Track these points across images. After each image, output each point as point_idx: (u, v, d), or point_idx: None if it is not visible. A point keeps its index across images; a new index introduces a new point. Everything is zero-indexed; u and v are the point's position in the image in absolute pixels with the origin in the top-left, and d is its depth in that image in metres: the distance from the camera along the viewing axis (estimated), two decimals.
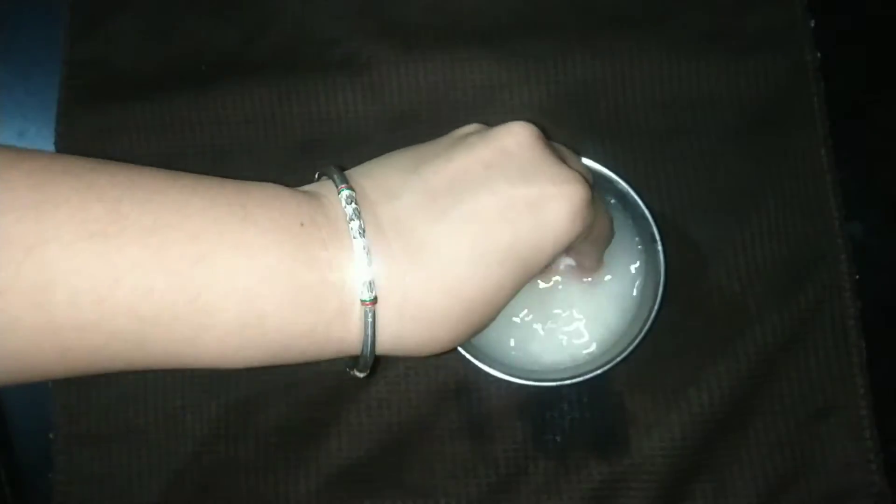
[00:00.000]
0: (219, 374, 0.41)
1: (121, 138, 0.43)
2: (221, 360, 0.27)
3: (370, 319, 0.27)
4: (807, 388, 0.40)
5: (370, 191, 0.28)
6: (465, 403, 0.40)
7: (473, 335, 0.29)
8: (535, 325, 0.37)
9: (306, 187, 0.29)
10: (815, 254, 0.41)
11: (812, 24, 0.43)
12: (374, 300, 0.27)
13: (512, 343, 0.38)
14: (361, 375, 0.29)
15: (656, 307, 0.36)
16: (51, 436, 0.41)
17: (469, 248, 0.27)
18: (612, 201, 0.39)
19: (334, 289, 0.26)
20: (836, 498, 0.39)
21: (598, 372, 0.35)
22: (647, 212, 0.37)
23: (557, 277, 0.38)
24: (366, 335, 0.27)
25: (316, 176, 0.30)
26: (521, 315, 0.38)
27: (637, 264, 0.38)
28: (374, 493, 0.40)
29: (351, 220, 0.27)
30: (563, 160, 0.30)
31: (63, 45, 0.44)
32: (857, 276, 0.41)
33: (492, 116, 0.43)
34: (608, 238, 0.35)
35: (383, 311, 0.27)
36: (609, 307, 0.38)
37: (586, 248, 0.35)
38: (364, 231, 0.27)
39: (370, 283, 0.26)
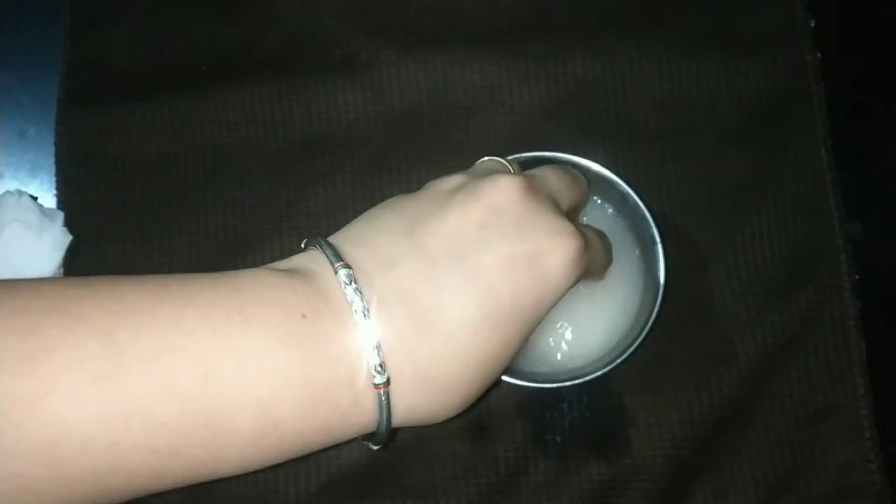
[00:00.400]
0: None
1: (121, 138, 0.43)
2: (240, 469, 0.26)
3: (384, 400, 0.26)
4: (807, 388, 0.40)
5: (365, 262, 0.27)
6: None
7: (482, 393, 0.29)
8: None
9: (295, 261, 0.28)
10: (815, 254, 0.41)
11: (812, 24, 0.43)
12: (387, 382, 0.26)
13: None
14: (376, 448, 0.29)
15: (657, 308, 0.36)
16: None
17: (474, 310, 0.27)
18: (609, 210, 0.39)
19: (347, 380, 0.26)
20: (836, 498, 0.39)
21: (599, 374, 0.35)
22: (647, 213, 0.37)
23: None
24: (381, 416, 0.27)
25: (302, 245, 0.29)
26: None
27: (637, 266, 0.38)
28: (374, 493, 0.40)
29: (352, 302, 0.26)
30: (550, 204, 0.30)
31: (63, 45, 0.44)
32: (857, 276, 0.41)
33: (492, 116, 0.43)
34: (606, 264, 0.36)
35: (396, 389, 0.27)
36: (609, 308, 0.38)
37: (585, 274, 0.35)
38: (368, 311, 0.26)
39: (381, 366, 0.26)
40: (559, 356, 0.37)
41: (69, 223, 0.41)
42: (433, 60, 0.43)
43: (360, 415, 0.27)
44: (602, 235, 0.36)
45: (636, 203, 0.37)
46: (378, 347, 0.26)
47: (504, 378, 0.35)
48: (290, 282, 0.27)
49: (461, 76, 0.43)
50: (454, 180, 0.30)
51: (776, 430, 0.40)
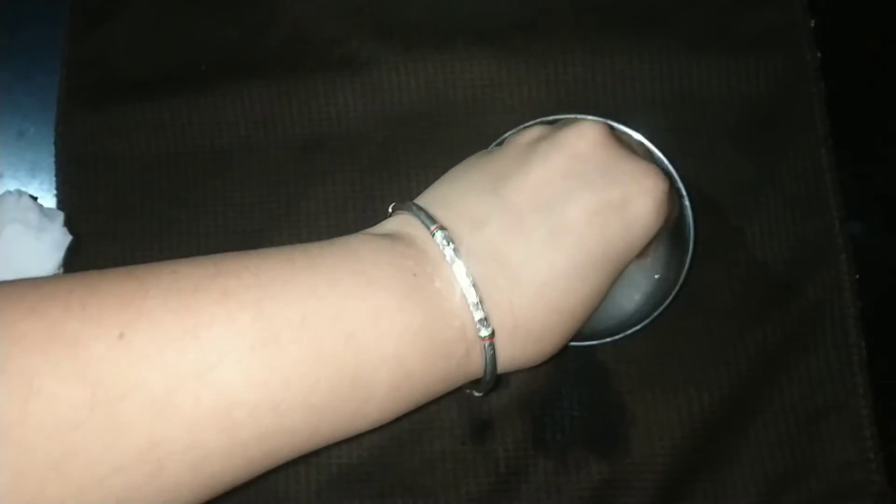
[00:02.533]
0: None
1: (121, 138, 0.43)
2: (377, 423, 0.28)
3: (491, 352, 0.28)
4: (807, 388, 0.40)
5: (456, 223, 0.28)
6: (465, 403, 0.40)
7: (570, 338, 0.31)
8: None
9: (388, 226, 0.29)
10: (815, 254, 0.41)
11: (812, 24, 0.43)
12: (492, 334, 0.28)
13: None
14: (480, 395, 0.31)
15: (688, 260, 0.36)
16: None
17: (564, 262, 0.28)
18: None
19: (459, 332, 0.27)
20: (836, 498, 0.39)
21: (636, 329, 0.36)
22: (671, 168, 0.37)
23: None
24: (486, 366, 0.28)
25: (390, 210, 0.30)
26: None
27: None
28: (374, 492, 0.40)
29: (452, 262, 0.27)
30: (629, 150, 0.30)
31: (63, 45, 0.44)
32: (857, 276, 0.41)
33: (491, 116, 0.43)
34: (675, 217, 0.36)
35: (499, 340, 0.28)
36: (637, 263, 0.38)
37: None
38: (468, 270, 0.27)
39: (485, 321, 0.27)
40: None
41: (69, 223, 0.41)
42: (433, 60, 0.43)
43: (469, 364, 0.28)
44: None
45: (661, 160, 0.37)
46: (481, 303, 0.27)
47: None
48: (394, 245, 0.28)
49: (461, 76, 0.43)
50: (535, 132, 0.31)
51: (776, 430, 0.40)
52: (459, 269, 0.27)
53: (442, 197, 0.30)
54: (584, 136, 0.29)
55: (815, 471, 0.40)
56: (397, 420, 0.40)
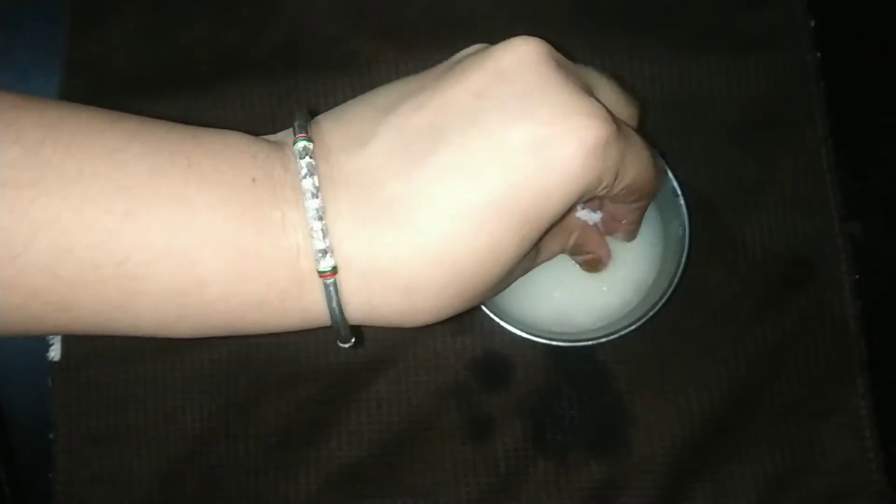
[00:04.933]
0: (218, 374, 0.41)
1: None
2: (162, 329, 0.24)
3: (332, 292, 0.23)
4: (807, 388, 0.40)
5: (336, 138, 0.24)
6: (465, 403, 0.40)
7: (473, 305, 0.26)
8: (557, 284, 0.37)
9: (277, 135, 0.26)
10: (815, 254, 0.41)
11: (812, 24, 0.43)
12: (334, 270, 0.23)
13: (537, 304, 0.37)
14: (346, 346, 0.26)
15: (684, 257, 0.36)
16: (51, 436, 0.41)
17: (451, 200, 0.23)
18: None
19: (287, 255, 0.23)
20: (836, 498, 0.39)
21: (634, 327, 0.35)
22: (665, 166, 0.37)
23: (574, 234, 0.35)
24: (330, 308, 0.24)
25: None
26: (541, 275, 0.37)
27: (658, 226, 0.38)
28: (374, 492, 0.40)
29: (305, 176, 0.23)
30: (582, 86, 0.24)
31: (63, 45, 0.44)
32: (857, 276, 0.41)
33: None
34: (648, 192, 0.28)
35: (347, 281, 0.23)
36: (635, 264, 0.38)
37: (619, 205, 0.31)
38: (318, 189, 0.23)
39: (326, 252, 0.23)
40: (581, 316, 0.37)
41: None
42: (433, 60, 0.43)
43: (303, 300, 0.24)
44: (652, 151, 0.28)
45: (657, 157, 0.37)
46: (324, 231, 0.23)
47: (533, 338, 0.35)
48: (254, 146, 0.24)
49: None
50: (474, 48, 0.26)
51: (776, 430, 0.40)
52: (308, 186, 0.23)
53: (341, 111, 0.26)
54: (514, 50, 0.24)
55: (815, 471, 0.40)
56: (395, 418, 0.40)
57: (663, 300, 0.35)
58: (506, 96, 0.23)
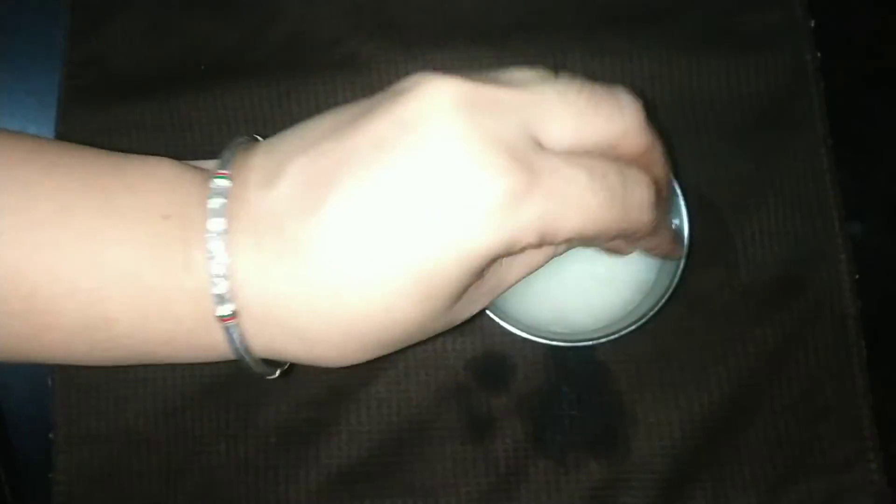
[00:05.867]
0: (218, 374, 0.41)
1: (121, 138, 0.43)
2: (74, 360, 0.24)
3: (233, 336, 0.23)
4: (807, 388, 0.40)
5: (257, 173, 0.23)
6: (465, 403, 0.40)
7: (381, 353, 0.25)
8: (557, 284, 0.37)
9: (214, 162, 0.25)
10: (815, 254, 0.41)
11: (812, 24, 0.43)
12: (233, 315, 0.23)
13: (537, 304, 0.37)
14: (271, 378, 0.26)
15: (683, 258, 0.35)
16: (51, 436, 0.41)
17: (337, 255, 0.22)
18: None
19: (190, 297, 0.23)
20: (836, 497, 0.39)
21: (632, 328, 0.35)
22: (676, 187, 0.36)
23: None
24: (234, 350, 0.24)
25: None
26: (540, 275, 0.37)
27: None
28: (374, 492, 0.40)
29: (211, 217, 0.23)
30: (499, 132, 0.22)
31: (63, 45, 0.44)
32: (857, 276, 0.41)
33: None
34: (638, 230, 0.25)
35: (248, 325, 0.23)
36: (635, 264, 0.37)
37: (612, 246, 0.29)
38: (226, 231, 0.23)
39: (223, 298, 0.22)
40: (581, 316, 0.37)
41: None
42: (433, 60, 0.43)
43: (210, 339, 0.23)
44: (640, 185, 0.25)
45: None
46: (226, 275, 0.22)
47: (528, 336, 0.35)
48: (178, 179, 0.24)
49: None
50: (413, 78, 0.23)
51: (776, 429, 0.40)
52: (214, 227, 0.22)
53: (278, 140, 0.25)
54: (420, 97, 0.22)
55: (815, 471, 0.40)
56: (395, 418, 0.40)
57: (663, 300, 0.35)
58: (404, 149, 0.21)
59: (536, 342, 0.35)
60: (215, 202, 0.23)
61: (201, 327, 0.23)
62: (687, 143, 0.42)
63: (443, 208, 0.21)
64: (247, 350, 0.24)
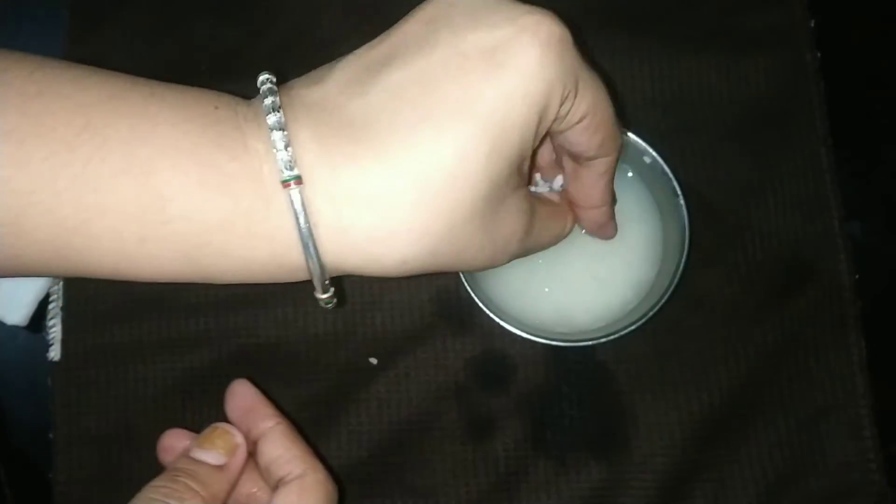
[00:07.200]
0: (218, 374, 0.41)
1: None
2: (123, 256, 0.23)
3: (298, 205, 0.23)
4: (807, 388, 0.40)
5: (298, 81, 0.26)
6: (465, 403, 0.40)
7: (452, 247, 0.25)
8: (557, 284, 0.37)
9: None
10: (815, 254, 0.41)
11: (812, 24, 0.43)
12: (298, 179, 0.23)
13: (537, 304, 0.37)
14: (325, 302, 0.26)
15: (684, 257, 0.36)
16: (51, 436, 0.41)
17: (408, 113, 0.23)
18: (629, 174, 0.39)
19: (249, 168, 0.23)
20: (836, 498, 0.39)
21: (632, 328, 0.35)
22: (665, 167, 0.37)
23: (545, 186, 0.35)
24: (299, 226, 0.23)
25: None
26: (541, 275, 0.37)
27: (658, 226, 0.38)
28: (374, 492, 0.40)
29: (266, 96, 0.24)
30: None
31: (63, 45, 0.44)
32: (857, 276, 0.41)
33: None
34: (609, 135, 0.28)
35: (313, 197, 0.23)
36: (632, 267, 0.38)
37: (584, 169, 0.31)
38: (279, 106, 0.24)
39: (289, 162, 0.23)
40: (581, 316, 0.37)
41: None
42: None
43: (269, 225, 0.23)
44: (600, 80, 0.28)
45: (654, 160, 0.37)
46: (285, 140, 0.23)
47: (535, 338, 0.35)
48: (223, 94, 0.25)
49: None
50: None
51: (776, 429, 0.40)
52: (268, 103, 0.24)
53: (306, 75, 0.27)
54: None
55: (815, 471, 0.40)
56: (395, 418, 0.40)
57: (663, 300, 0.35)
58: (455, 15, 0.24)
59: (536, 342, 0.35)
60: (265, 88, 0.24)
61: (261, 202, 0.23)
62: (687, 143, 0.42)
63: (502, 49, 0.23)
64: (310, 229, 0.23)
